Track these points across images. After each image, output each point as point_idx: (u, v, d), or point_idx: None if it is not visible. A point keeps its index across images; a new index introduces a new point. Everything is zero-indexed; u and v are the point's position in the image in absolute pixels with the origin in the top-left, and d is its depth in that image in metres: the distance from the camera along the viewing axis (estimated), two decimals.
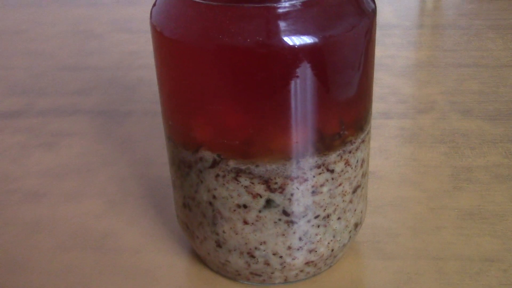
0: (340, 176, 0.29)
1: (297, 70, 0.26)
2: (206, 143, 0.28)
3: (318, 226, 0.30)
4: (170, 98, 0.29)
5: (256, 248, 0.30)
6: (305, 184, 0.28)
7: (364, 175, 0.31)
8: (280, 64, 0.26)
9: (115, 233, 0.37)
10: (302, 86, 0.26)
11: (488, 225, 0.36)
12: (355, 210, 0.31)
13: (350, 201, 0.31)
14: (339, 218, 0.30)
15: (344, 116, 0.28)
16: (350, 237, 0.32)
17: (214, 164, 0.29)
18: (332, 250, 0.31)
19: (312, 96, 0.27)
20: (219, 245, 0.31)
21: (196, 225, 0.31)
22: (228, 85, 0.26)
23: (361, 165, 0.30)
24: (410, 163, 0.42)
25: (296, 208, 0.29)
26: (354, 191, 0.31)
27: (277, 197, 0.29)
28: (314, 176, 0.28)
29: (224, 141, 0.28)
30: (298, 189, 0.28)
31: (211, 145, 0.28)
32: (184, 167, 0.30)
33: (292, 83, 0.26)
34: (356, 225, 0.32)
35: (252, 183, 0.28)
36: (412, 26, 0.66)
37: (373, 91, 0.52)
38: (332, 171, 0.29)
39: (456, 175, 0.40)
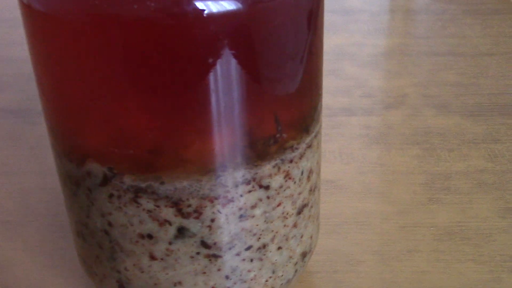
0: (278, 194, 0.22)
1: (216, 49, 0.18)
2: (93, 152, 0.21)
3: (252, 260, 0.23)
4: (47, 92, 0.22)
5: None
6: (230, 206, 0.21)
7: (312, 190, 0.24)
8: (191, 41, 0.18)
9: (6, 264, 0.29)
10: (223, 72, 0.19)
11: (471, 247, 0.29)
12: (301, 236, 0.24)
13: (294, 225, 0.23)
14: (279, 248, 0.23)
15: (281, 112, 0.21)
16: (296, 270, 0.25)
17: (106, 180, 0.21)
18: None
19: (237, 85, 0.19)
20: (122, 285, 0.23)
21: (93, 259, 0.24)
22: (120, 72, 0.19)
23: (308, 177, 0.23)
24: (376, 169, 0.35)
25: (220, 237, 0.21)
26: (300, 212, 0.23)
27: (192, 224, 0.21)
28: (241, 196, 0.21)
29: (115, 149, 0.20)
30: (220, 212, 0.21)
31: (99, 156, 0.21)
32: (70, 184, 0.22)
33: (209, 68, 0.19)
34: (304, 255, 0.25)
35: (157, 206, 0.21)
36: (381, 11, 0.59)
37: (334, 84, 0.44)
38: (266, 188, 0.21)
39: (431, 183, 0.33)
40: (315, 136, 0.23)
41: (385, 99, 0.42)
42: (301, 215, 0.23)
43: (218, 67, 0.19)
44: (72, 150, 0.22)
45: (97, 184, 0.21)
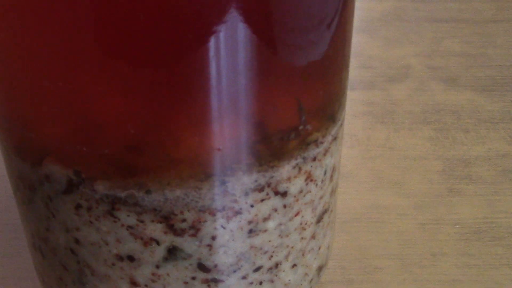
0: (297, 200, 0.17)
1: (221, 13, 0.13)
2: (54, 150, 0.15)
3: (261, 283, 0.18)
4: None
5: None
6: (237, 220, 0.16)
7: (333, 191, 0.19)
8: (188, 9, 0.13)
9: None
10: (230, 44, 0.14)
11: (504, 249, 0.25)
12: (319, 248, 0.19)
13: (313, 237, 0.18)
14: (294, 266, 0.18)
15: (305, 96, 0.16)
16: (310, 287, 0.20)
17: (70, 187, 0.16)
18: None
19: (247, 58, 0.14)
20: None
21: (55, 280, 0.19)
22: (87, 37, 0.14)
23: (331, 177, 0.18)
24: (385, 153, 0.30)
25: (222, 258, 0.17)
26: (319, 220, 0.18)
27: (187, 244, 0.16)
28: (252, 206, 0.16)
29: (83, 147, 0.15)
30: (224, 228, 0.16)
31: (62, 155, 0.15)
32: (24, 189, 0.17)
33: (213, 39, 0.14)
34: (320, 269, 0.20)
35: (141, 222, 0.16)
36: None
37: None
38: (283, 195, 0.16)
39: (449, 171, 0.29)
40: (341, 125, 0.18)
41: (387, 71, 0.37)
42: (321, 223, 0.19)
43: (221, 36, 0.14)
44: (24, 146, 0.16)
45: (59, 191, 0.16)
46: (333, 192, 0.19)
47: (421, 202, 0.27)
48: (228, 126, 0.15)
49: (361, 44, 0.40)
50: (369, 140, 0.31)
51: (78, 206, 0.16)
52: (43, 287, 0.20)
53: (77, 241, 0.17)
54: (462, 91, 0.35)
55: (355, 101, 0.34)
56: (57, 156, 0.15)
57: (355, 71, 0.37)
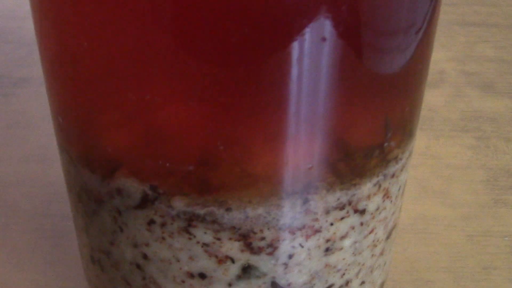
0: (373, 218, 0.16)
1: (307, 15, 0.13)
2: (127, 163, 0.15)
3: None
4: (57, 75, 0.15)
5: None
6: (316, 239, 0.15)
7: (401, 206, 0.19)
8: (272, 12, 0.12)
9: None
10: (313, 56, 0.13)
11: None
12: (385, 264, 0.19)
13: (381, 253, 0.18)
14: (362, 283, 0.18)
15: (392, 113, 0.15)
16: None
17: (145, 202, 0.15)
18: None
19: (334, 68, 0.14)
20: None
21: None
22: (170, 53, 0.13)
23: (403, 193, 0.18)
24: (427, 161, 0.29)
25: (296, 277, 0.16)
26: (389, 237, 0.18)
27: (263, 262, 0.15)
28: (331, 224, 0.15)
29: (160, 161, 0.14)
30: (302, 247, 0.15)
31: (136, 168, 0.15)
32: (88, 200, 0.16)
33: (296, 43, 0.13)
34: (382, 285, 0.20)
35: (218, 239, 0.15)
36: None
37: None
38: (362, 212, 0.16)
39: (493, 181, 0.28)
40: (415, 139, 0.17)
41: None
42: (389, 239, 0.18)
43: (305, 47, 0.13)
44: (95, 157, 0.15)
45: (131, 206, 0.15)
46: (400, 207, 0.18)
47: (467, 213, 0.26)
48: (312, 142, 0.14)
49: None
50: None
51: (151, 222, 0.15)
52: None
53: (145, 257, 0.16)
54: (499, 98, 0.35)
55: None
56: (130, 169, 0.15)
57: None
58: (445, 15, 0.44)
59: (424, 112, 0.33)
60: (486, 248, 0.25)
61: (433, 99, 0.34)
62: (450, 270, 0.24)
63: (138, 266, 0.16)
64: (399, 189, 0.17)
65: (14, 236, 0.25)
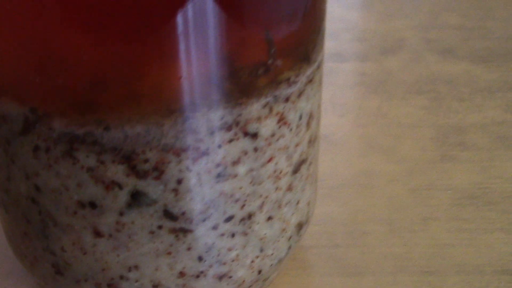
0: (269, 144, 0.16)
1: None
2: (8, 86, 0.15)
3: (233, 235, 0.17)
4: None
5: (122, 277, 0.17)
6: (204, 162, 0.15)
7: (312, 141, 0.18)
8: None
9: None
10: None
11: (498, 213, 0.24)
12: (297, 203, 0.18)
13: (289, 188, 0.18)
14: (269, 218, 0.17)
15: (274, 29, 0.15)
16: (289, 246, 0.19)
17: (27, 127, 0.15)
18: (260, 272, 0.18)
19: None
20: (58, 270, 0.17)
21: (20, 236, 0.18)
22: None
23: (308, 124, 0.17)
24: (378, 121, 0.29)
25: (190, 205, 0.16)
26: (296, 171, 0.18)
27: (151, 188, 0.15)
28: (219, 146, 0.15)
29: (38, 79, 0.14)
30: (190, 170, 0.15)
31: (17, 91, 0.15)
32: None
33: None
34: (300, 226, 0.19)
35: (101, 163, 0.15)
36: None
37: None
38: (254, 136, 0.15)
39: (443, 138, 0.28)
40: (318, 67, 0.17)
41: (381, 44, 0.36)
42: (298, 175, 0.18)
43: None
44: None
45: (16, 132, 0.15)
46: (311, 142, 0.18)
47: (412, 168, 0.26)
48: (194, 60, 0.14)
49: (355, 18, 0.39)
50: (360, 109, 0.30)
51: (36, 148, 0.15)
52: (11, 247, 0.19)
53: (37, 188, 0.16)
54: (458, 62, 0.34)
55: (347, 72, 0.33)
56: (12, 92, 0.15)
57: (348, 44, 0.36)
58: None
59: (380, 76, 0.33)
60: (428, 200, 0.24)
61: (389, 64, 0.34)
62: (388, 221, 0.23)
63: (33, 200, 0.16)
64: (300, 118, 0.17)
65: None
